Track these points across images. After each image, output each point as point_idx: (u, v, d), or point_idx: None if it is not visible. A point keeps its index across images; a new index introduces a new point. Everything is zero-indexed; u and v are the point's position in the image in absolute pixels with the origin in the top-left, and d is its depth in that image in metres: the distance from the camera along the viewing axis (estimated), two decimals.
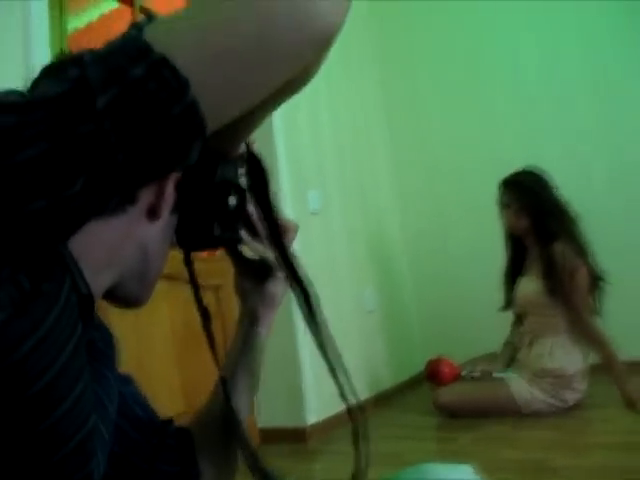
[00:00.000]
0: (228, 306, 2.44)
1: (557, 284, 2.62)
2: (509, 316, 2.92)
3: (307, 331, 0.62)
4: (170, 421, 0.75)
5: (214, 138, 0.47)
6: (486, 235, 3.41)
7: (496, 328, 2.98)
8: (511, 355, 2.84)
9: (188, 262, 0.70)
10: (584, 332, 2.61)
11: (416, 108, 3.96)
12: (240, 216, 0.64)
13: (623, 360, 2.51)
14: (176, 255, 0.74)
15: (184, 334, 2.19)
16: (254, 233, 0.70)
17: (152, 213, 0.55)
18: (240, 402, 0.76)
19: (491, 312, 2.98)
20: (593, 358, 2.63)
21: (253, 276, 0.76)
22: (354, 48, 3.70)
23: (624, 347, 2.59)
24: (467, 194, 3.72)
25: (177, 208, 0.58)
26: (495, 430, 2.39)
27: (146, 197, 0.53)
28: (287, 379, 2.67)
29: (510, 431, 2.37)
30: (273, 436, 2.60)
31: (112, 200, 0.44)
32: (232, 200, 0.62)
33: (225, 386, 0.72)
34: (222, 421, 0.74)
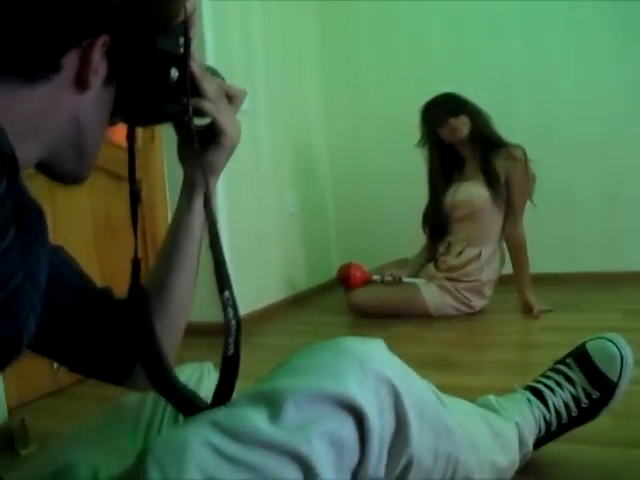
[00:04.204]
0: (146, 200, 2.39)
1: (507, 188, 2.69)
2: (419, 231, 2.97)
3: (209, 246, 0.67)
4: (107, 289, 0.75)
5: (149, 4, 0.46)
6: (404, 152, 3.46)
7: (408, 240, 3.08)
8: (421, 265, 2.92)
9: (131, 137, 0.67)
10: (514, 235, 2.70)
11: (348, 22, 3.88)
12: (184, 87, 0.62)
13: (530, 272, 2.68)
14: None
15: (104, 223, 2.15)
16: (198, 94, 0.67)
17: (80, 83, 0.52)
18: (182, 275, 0.77)
19: (404, 224, 3.17)
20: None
21: (196, 143, 0.73)
22: None
23: (533, 260, 2.72)
24: (391, 110, 3.72)
25: (113, 79, 0.56)
26: (405, 330, 2.52)
27: (71, 65, 0.51)
28: (207, 275, 2.69)
29: (418, 331, 2.50)
30: (192, 330, 2.63)
31: (30, 64, 0.42)
32: (174, 72, 0.60)
33: (137, 270, 0.71)
34: (157, 294, 0.74)
